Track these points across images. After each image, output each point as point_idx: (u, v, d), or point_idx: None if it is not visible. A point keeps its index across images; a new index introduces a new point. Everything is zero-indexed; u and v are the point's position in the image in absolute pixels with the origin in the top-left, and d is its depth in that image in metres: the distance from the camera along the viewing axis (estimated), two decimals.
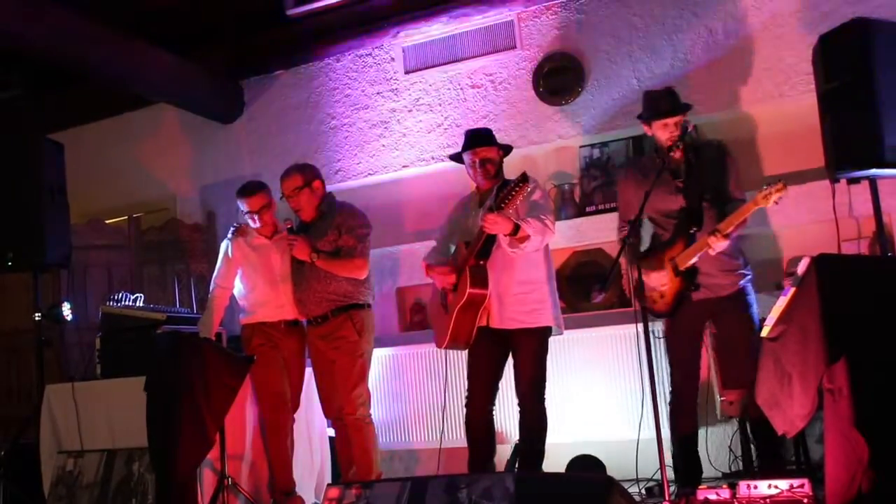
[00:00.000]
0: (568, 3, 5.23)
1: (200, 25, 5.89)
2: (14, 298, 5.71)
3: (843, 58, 3.63)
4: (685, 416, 3.78)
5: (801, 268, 2.84)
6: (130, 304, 4.58)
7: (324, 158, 5.74)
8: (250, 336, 4.29)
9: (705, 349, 3.86)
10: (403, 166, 5.60)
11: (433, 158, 5.44)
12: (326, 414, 4.37)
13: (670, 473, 3.53)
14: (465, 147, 4.02)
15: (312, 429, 4.61)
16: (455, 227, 4.11)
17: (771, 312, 2.99)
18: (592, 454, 4.51)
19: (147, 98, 6.20)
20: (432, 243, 4.26)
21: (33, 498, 4.35)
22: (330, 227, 4.20)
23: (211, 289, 4.40)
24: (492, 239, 3.78)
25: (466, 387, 3.99)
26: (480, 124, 5.34)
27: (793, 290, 2.87)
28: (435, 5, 5.43)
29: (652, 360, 3.35)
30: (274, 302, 4.28)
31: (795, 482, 3.08)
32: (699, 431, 3.86)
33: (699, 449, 3.81)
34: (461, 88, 5.49)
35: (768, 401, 2.97)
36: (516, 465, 4.27)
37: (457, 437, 4.08)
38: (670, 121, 3.72)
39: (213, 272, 4.44)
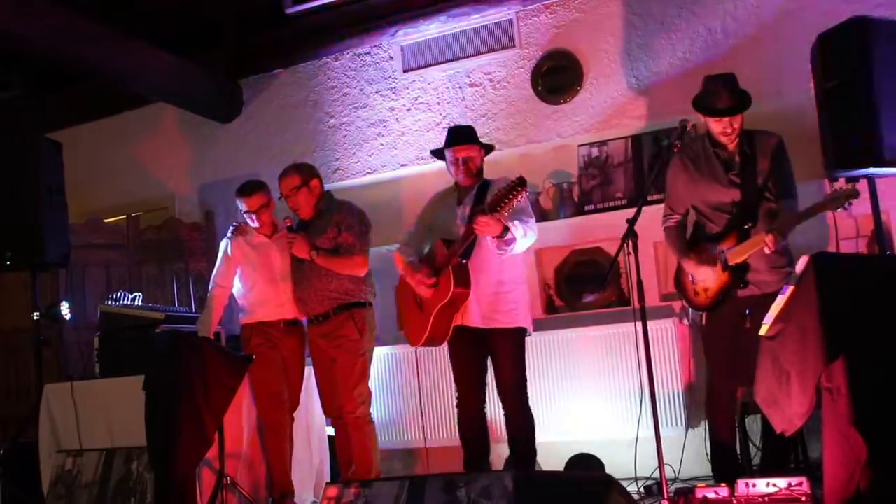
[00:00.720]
0: (566, 2, 5.23)
1: (199, 25, 5.89)
2: (12, 298, 5.71)
3: (841, 57, 3.64)
4: (722, 414, 3.74)
5: (800, 266, 2.84)
6: (129, 303, 4.58)
7: (322, 157, 5.75)
8: (249, 336, 4.29)
9: None
10: (402, 165, 5.60)
11: (432, 157, 5.43)
12: (326, 413, 4.37)
13: (669, 472, 3.53)
14: (448, 143, 4.01)
15: (312, 428, 4.61)
16: (432, 224, 4.09)
17: (769, 311, 2.99)
18: (591, 453, 4.51)
19: (146, 97, 6.19)
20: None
21: (32, 497, 4.35)
22: (329, 225, 4.20)
23: (210, 288, 4.40)
24: (475, 239, 3.78)
25: (455, 388, 3.99)
26: (479, 123, 5.35)
27: (791, 288, 2.86)
28: (433, 4, 5.43)
29: (651, 358, 3.35)
30: (273, 301, 4.28)
31: (794, 480, 3.08)
32: (699, 428, 3.85)
33: (699, 447, 3.80)
34: (460, 87, 5.49)
35: (767, 399, 2.97)
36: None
37: (450, 436, 4.08)
38: (724, 118, 3.60)
39: (211, 271, 4.44)
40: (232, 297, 4.42)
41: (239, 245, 4.36)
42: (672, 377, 4.41)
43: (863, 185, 3.72)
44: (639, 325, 3.37)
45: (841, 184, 3.45)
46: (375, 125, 5.72)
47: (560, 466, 4.48)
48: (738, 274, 3.57)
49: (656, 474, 3.45)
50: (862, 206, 3.77)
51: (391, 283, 4.23)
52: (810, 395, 2.75)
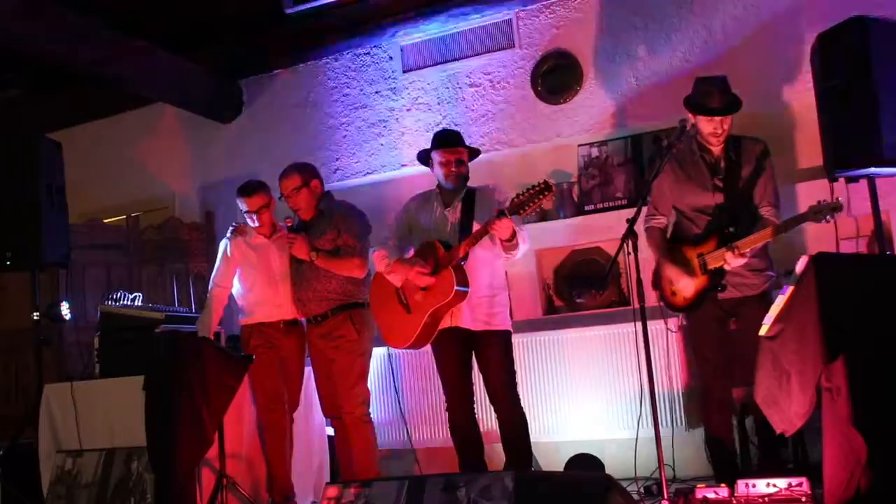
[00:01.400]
0: (566, 2, 5.23)
1: (199, 25, 5.88)
2: (12, 298, 5.72)
3: (841, 56, 3.64)
4: (718, 414, 3.77)
5: (800, 266, 2.84)
6: (129, 303, 4.58)
7: (322, 157, 5.75)
8: (248, 337, 4.30)
9: None
10: (402, 165, 5.60)
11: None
12: (326, 413, 4.37)
13: (668, 472, 3.53)
14: (439, 146, 3.99)
15: (311, 427, 4.61)
16: (413, 226, 4.07)
17: (769, 311, 2.99)
18: (591, 453, 4.51)
19: (146, 97, 6.19)
20: None
21: (32, 497, 4.34)
22: (329, 227, 4.20)
23: (210, 288, 4.40)
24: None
25: (444, 392, 3.97)
26: (479, 123, 5.36)
27: (791, 288, 2.87)
28: (433, 4, 5.43)
29: (651, 358, 3.35)
30: (272, 301, 4.28)
31: (794, 481, 3.08)
32: (699, 428, 3.85)
33: (698, 447, 3.80)
34: (460, 87, 5.49)
35: (766, 399, 2.97)
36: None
37: (449, 436, 4.08)
38: (717, 118, 3.63)
39: (211, 271, 4.44)
40: (231, 297, 4.42)
41: (238, 245, 4.36)
42: (672, 377, 4.40)
43: (863, 185, 3.73)
44: (638, 325, 3.37)
45: (841, 185, 3.47)
46: (375, 125, 5.72)
47: (560, 467, 4.48)
48: (716, 278, 3.61)
49: (656, 474, 3.45)
50: (862, 206, 3.78)
51: None
52: (810, 395, 2.75)
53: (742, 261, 3.51)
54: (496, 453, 4.11)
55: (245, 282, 4.34)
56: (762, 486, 3.11)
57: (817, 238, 3.96)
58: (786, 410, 2.88)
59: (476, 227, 3.78)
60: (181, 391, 3.72)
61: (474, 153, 4.09)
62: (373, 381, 4.85)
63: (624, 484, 3.35)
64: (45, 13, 4.83)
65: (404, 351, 4.71)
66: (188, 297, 5.52)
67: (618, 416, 4.51)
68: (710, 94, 3.64)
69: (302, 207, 4.25)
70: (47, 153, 4.74)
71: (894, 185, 4.11)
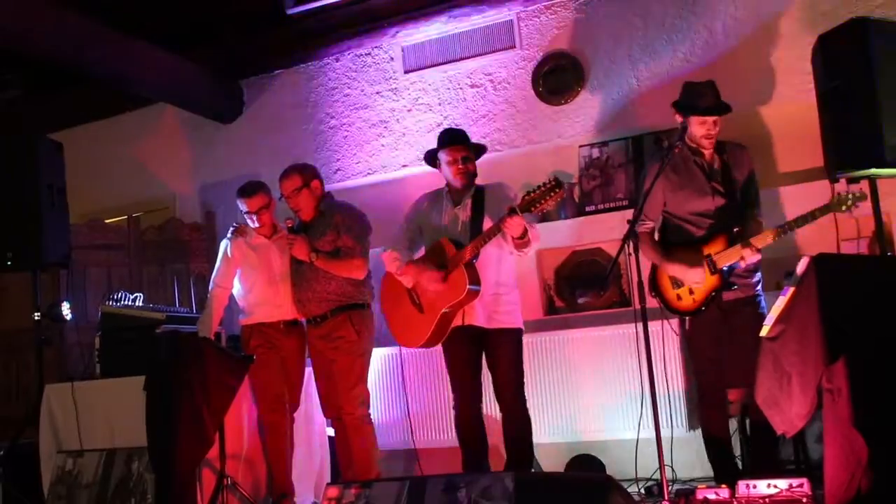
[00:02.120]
0: (567, 3, 5.23)
1: (200, 25, 5.89)
2: (13, 298, 5.72)
3: (842, 57, 3.63)
4: (717, 415, 3.78)
5: (801, 267, 2.84)
6: (130, 303, 4.58)
7: (323, 158, 5.75)
8: (249, 337, 4.29)
9: None
10: (403, 166, 5.60)
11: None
12: (326, 414, 4.37)
13: (669, 473, 3.53)
14: (446, 144, 4.00)
15: (312, 428, 4.61)
16: (423, 226, 4.08)
17: (770, 312, 2.99)
18: (592, 454, 4.51)
19: (147, 97, 6.19)
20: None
21: (32, 497, 4.35)
22: (329, 227, 4.20)
23: (210, 288, 4.41)
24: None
25: (452, 389, 3.99)
26: (480, 124, 5.36)
27: (792, 289, 2.87)
28: (434, 5, 5.43)
29: (651, 359, 3.35)
30: (272, 302, 4.28)
31: (794, 482, 3.08)
32: (700, 429, 3.85)
33: (699, 448, 3.80)
34: (460, 88, 5.49)
35: (767, 400, 2.97)
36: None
37: (450, 436, 4.08)
38: (710, 118, 3.66)
39: (212, 272, 4.45)
40: (232, 297, 4.42)
41: (238, 246, 4.36)
42: (673, 378, 4.40)
43: (863, 186, 3.72)
44: (639, 325, 3.37)
45: (842, 185, 3.47)
46: (376, 126, 5.72)
47: (561, 467, 4.48)
48: (727, 277, 3.62)
49: (657, 475, 3.46)
50: (863, 206, 3.77)
51: None
52: (811, 396, 2.75)
53: (757, 257, 3.54)
54: (497, 453, 4.11)
55: (245, 282, 4.34)
56: (763, 486, 3.11)
57: (818, 239, 3.95)
58: (787, 411, 2.88)
59: (487, 224, 3.79)
60: (182, 391, 3.72)
61: (481, 150, 4.10)
62: (376, 381, 4.86)
63: (624, 485, 3.35)
64: (45, 13, 4.83)
65: (408, 351, 4.72)
66: (189, 298, 5.52)
67: (618, 416, 4.50)
68: (702, 94, 3.68)
69: (302, 208, 4.25)
70: (48, 153, 4.74)
71: (895, 185, 4.11)
